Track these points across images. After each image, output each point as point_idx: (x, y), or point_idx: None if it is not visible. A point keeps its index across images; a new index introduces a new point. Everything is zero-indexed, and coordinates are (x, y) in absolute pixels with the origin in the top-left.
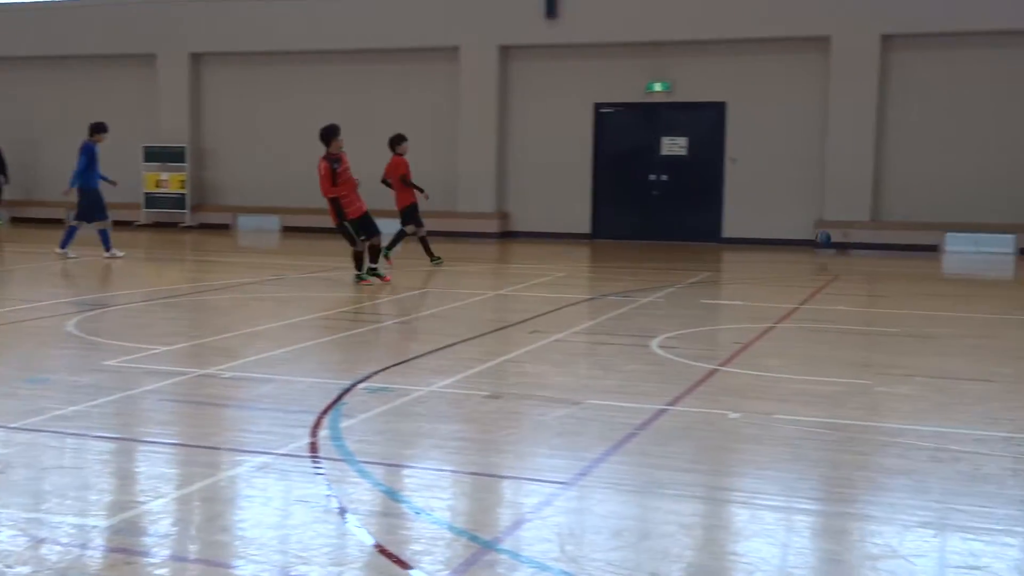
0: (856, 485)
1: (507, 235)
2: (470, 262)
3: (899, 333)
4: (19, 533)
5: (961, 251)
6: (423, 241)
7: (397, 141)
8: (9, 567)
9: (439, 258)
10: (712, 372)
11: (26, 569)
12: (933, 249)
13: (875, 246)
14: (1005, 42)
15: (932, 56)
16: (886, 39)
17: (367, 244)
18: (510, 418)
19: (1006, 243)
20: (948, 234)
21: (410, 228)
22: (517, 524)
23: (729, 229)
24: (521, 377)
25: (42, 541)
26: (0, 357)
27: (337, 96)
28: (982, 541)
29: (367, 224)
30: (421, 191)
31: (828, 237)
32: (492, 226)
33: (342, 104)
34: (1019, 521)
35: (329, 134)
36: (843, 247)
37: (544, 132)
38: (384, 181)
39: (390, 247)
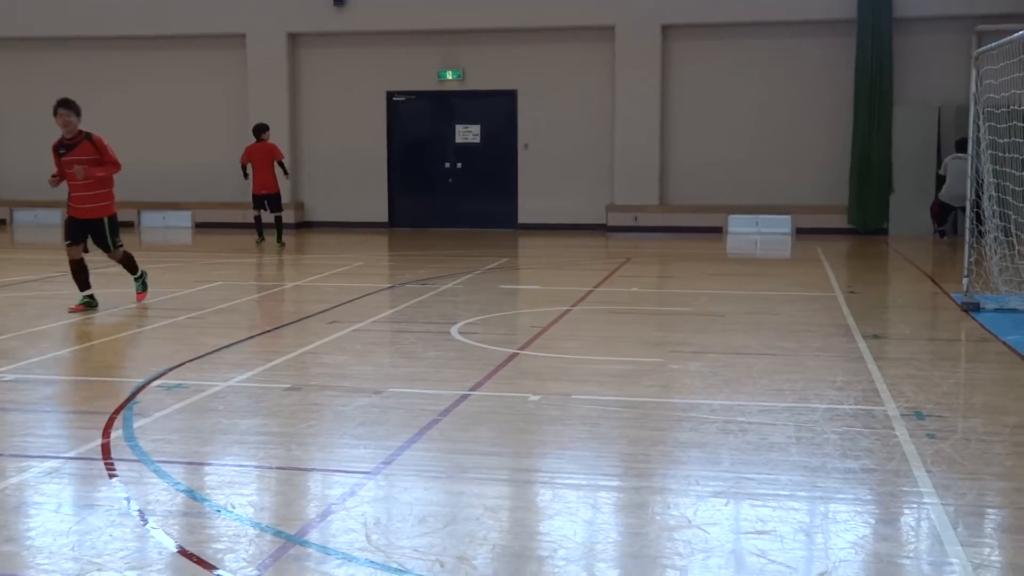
0: (653, 460)
1: (303, 225)
2: (266, 253)
3: (689, 312)
4: None
5: (743, 232)
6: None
7: (265, 129)
8: None
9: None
10: (512, 356)
11: None
12: (718, 231)
13: (664, 229)
14: (776, 32)
15: (709, 45)
16: (666, 29)
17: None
18: (311, 410)
19: (783, 224)
20: (731, 216)
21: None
22: (323, 516)
23: (524, 215)
24: (321, 368)
25: None
26: None
27: (119, 85)
28: (769, 507)
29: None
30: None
31: (943, 234)
32: (287, 216)
33: (127, 94)
34: (803, 486)
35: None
36: (634, 231)
37: (337, 121)
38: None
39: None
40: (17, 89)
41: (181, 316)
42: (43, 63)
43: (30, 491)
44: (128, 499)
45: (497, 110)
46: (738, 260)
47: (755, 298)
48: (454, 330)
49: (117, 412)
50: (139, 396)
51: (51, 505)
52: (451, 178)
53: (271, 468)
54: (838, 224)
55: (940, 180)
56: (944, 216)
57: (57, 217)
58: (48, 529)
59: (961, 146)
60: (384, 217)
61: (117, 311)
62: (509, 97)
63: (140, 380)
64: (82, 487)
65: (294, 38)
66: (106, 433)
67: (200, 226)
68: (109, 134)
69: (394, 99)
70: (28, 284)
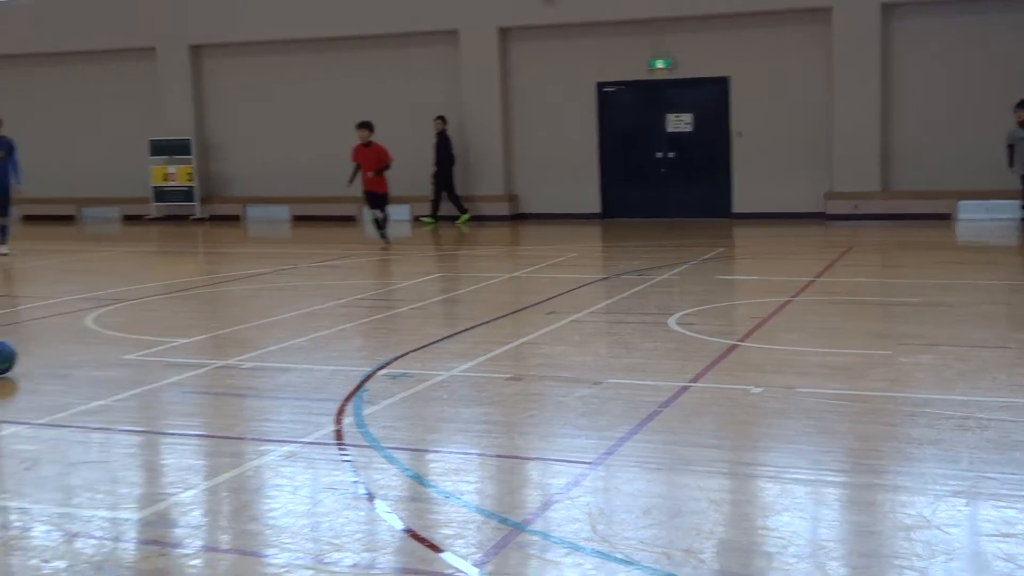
0: (884, 456)
1: (517, 217)
2: (482, 245)
3: (917, 303)
4: (53, 528)
5: (974, 219)
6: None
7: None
8: (46, 562)
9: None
10: (732, 348)
11: (62, 563)
12: (945, 218)
13: (886, 216)
14: (1008, 7)
15: (933, 23)
16: (887, 8)
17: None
18: (532, 400)
19: (1016, 210)
20: (960, 202)
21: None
22: (546, 505)
23: (739, 204)
24: (541, 358)
25: (76, 535)
26: (23, 354)
27: (340, 83)
28: (1015, 508)
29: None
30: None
31: None
32: (502, 209)
33: (346, 91)
34: None
35: None
36: (855, 219)
37: (549, 113)
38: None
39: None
40: (241, 94)
41: (404, 307)
42: (258, 66)
43: (270, 474)
44: (361, 483)
45: (709, 98)
46: (969, 248)
47: (988, 288)
48: (671, 321)
49: (348, 399)
50: (368, 384)
51: (290, 488)
52: (663, 168)
53: (494, 456)
54: None
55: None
56: None
57: (284, 213)
58: (288, 510)
59: None
60: (597, 208)
61: (344, 302)
62: (721, 84)
63: (368, 369)
64: (317, 471)
65: (505, 32)
66: (338, 420)
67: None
68: (326, 132)
69: (604, 89)
70: (262, 277)
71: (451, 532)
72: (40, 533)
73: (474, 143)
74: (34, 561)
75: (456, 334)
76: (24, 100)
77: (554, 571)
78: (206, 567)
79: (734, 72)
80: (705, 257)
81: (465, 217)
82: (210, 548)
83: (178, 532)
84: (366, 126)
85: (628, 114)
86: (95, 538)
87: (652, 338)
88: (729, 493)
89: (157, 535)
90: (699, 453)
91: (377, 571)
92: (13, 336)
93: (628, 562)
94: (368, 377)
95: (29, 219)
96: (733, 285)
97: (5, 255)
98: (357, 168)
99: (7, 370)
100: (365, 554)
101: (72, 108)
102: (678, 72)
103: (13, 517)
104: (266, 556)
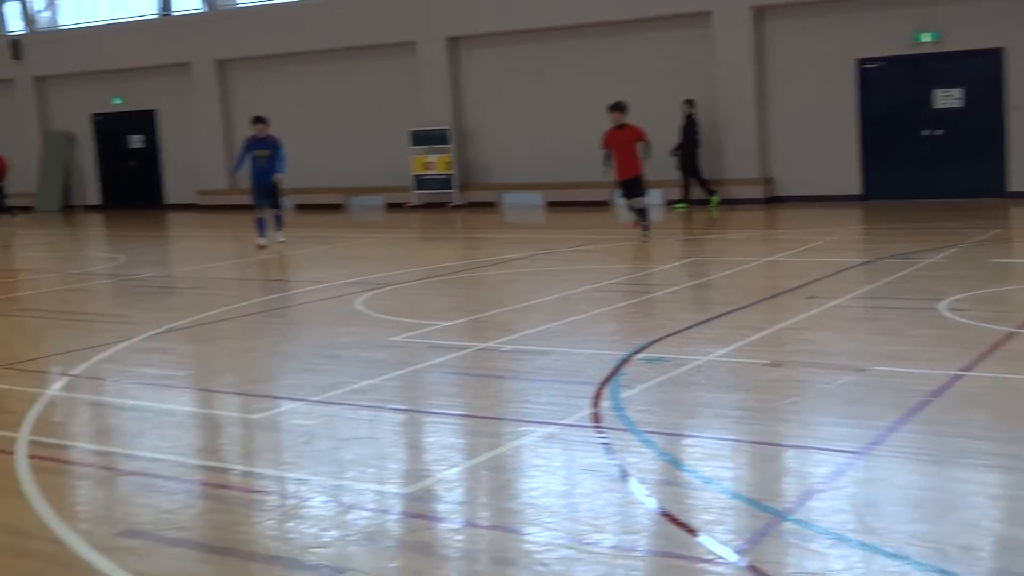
0: None
1: (772, 200)
2: (736, 229)
3: None
4: (329, 499)
5: None
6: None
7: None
8: (324, 531)
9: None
10: (1009, 335)
11: (337, 533)
12: None
13: None
14: None
15: None
16: None
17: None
18: (792, 386)
19: None
20: None
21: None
22: (808, 494)
23: (1016, 182)
24: (801, 344)
25: (350, 507)
26: (298, 335)
27: (590, 70)
28: None
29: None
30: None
31: None
32: (756, 192)
33: (596, 78)
34: None
35: None
36: None
37: (805, 92)
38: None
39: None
40: (495, 84)
41: (659, 291)
42: (511, 56)
43: (529, 454)
44: (618, 466)
45: (980, 71)
46: None
47: None
48: (941, 306)
49: (605, 383)
50: (624, 368)
51: (549, 468)
52: (930, 146)
53: (753, 443)
54: None
55: None
56: None
57: (538, 199)
58: (548, 490)
59: None
60: (857, 189)
61: (599, 286)
62: (993, 56)
63: (624, 353)
64: (576, 452)
65: (760, 11)
66: (595, 403)
67: (671, 204)
68: (578, 119)
69: (865, 66)
70: (518, 262)
71: (710, 518)
72: (318, 504)
73: (726, 125)
74: (313, 530)
75: (712, 319)
76: (294, 97)
77: (819, 562)
78: (469, 542)
79: (1009, 42)
80: (978, 239)
81: (715, 200)
82: (473, 524)
83: (442, 507)
84: (619, 108)
85: (891, 91)
86: (367, 510)
87: (920, 324)
88: (1008, 488)
89: (423, 510)
90: (973, 445)
91: (637, 553)
92: (285, 318)
93: (898, 556)
94: (624, 361)
95: (301, 208)
96: (1011, 269)
97: (281, 242)
98: (609, 155)
99: None
100: (624, 536)
101: (339, 103)
102: (945, 45)
103: (293, 488)
104: (527, 534)
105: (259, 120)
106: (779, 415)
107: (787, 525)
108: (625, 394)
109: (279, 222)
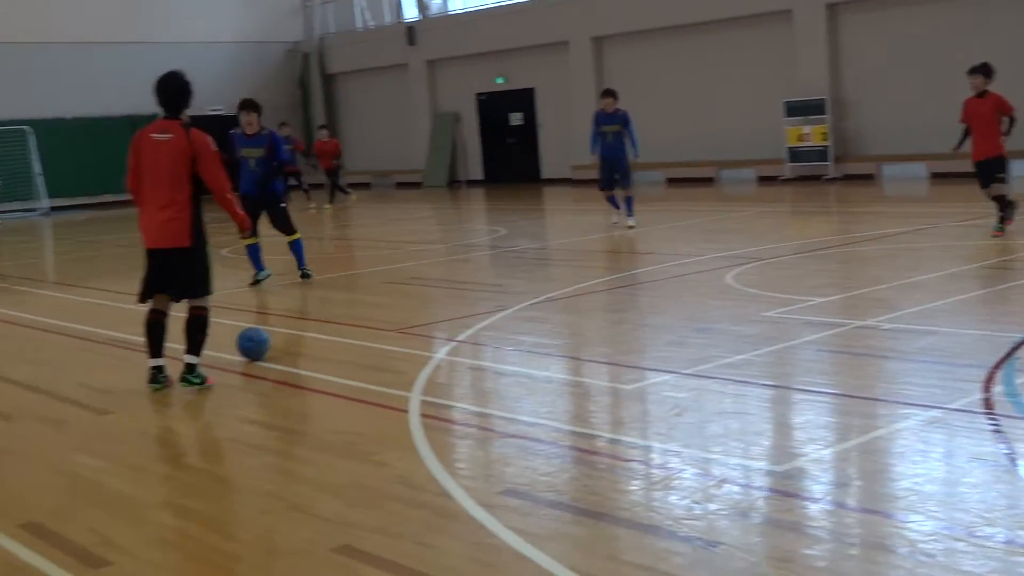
0: None
1: None
2: None
3: None
4: (701, 472)
5: None
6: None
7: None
8: (697, 503)
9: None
10: None
11: (712, 506)
12: None
13: None
14: None
15: None
16: None
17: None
18: None
19: None
20: None
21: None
22: None
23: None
24: None
25: (723, 481)
26: (668, 308)
27: (981, 32)
28: None
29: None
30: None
31: None
32: None
33: (985, 38)
34: None
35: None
36: None
37: None
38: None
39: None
40: (876, 51)
41: None
42: (888, 21)
43: (911, 438)
44: (1013, 457)
45: None
46: None
47: None
48: None
49: (997, 367)
50: (1020, 351)
51: (932, 454)
52: None
53: None
54: None
55: None
56: None
57: (921, 170)
58: (932, 477)
59: None
60: None
61: (990, 263)
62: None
63: (1020, 335)
64: (963, 439)
65: None
66: (986, 387)
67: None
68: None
69: None
70: (899, 236)
71: None
72: (690, 476)
73: None
74: (685, 502)
75: None
76: (666, 71)
77: None
78: (844, 525)
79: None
80: None
81: None
82: (847, 507)
83: (816, 488)
84: (979, 71)
85: None
86: (739, 485)
87: None
88: None
89: (795, 488)
90: None
91: None
92: (657, 291)
93: None
94: (1020, 344)
95: (672, 182)
96: None
97: (631, 227)
98: (966, 132)
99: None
100: (1020, 532)
101: (710, 75)
102: None
103: (662, 459)
104: (909, 522)
105: (608, 93)
106: None
107: None
108: (1021, 379)
109: (629, 206)
